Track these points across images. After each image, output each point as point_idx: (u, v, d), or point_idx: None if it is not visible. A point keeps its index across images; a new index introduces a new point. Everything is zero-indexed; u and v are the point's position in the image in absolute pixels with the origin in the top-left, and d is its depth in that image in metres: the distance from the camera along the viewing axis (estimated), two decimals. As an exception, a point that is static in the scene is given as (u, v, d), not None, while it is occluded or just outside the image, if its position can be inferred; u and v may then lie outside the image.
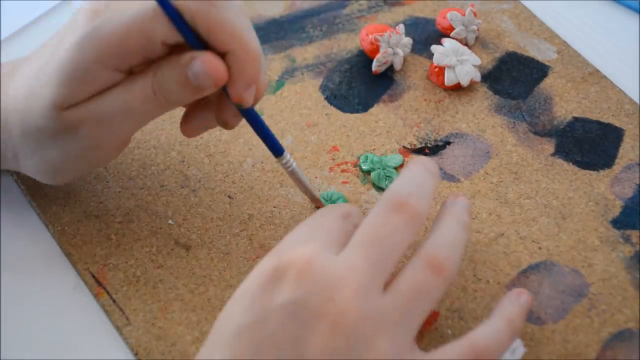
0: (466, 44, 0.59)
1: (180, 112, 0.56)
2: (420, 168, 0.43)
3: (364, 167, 0.53)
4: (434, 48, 0.57)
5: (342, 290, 0.38)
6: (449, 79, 0.56)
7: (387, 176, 0.53)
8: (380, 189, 0.53)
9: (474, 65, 0.57)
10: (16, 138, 0.46)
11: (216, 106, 0.47)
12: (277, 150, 0.48)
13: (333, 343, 0.38)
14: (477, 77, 0.57)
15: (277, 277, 0.39)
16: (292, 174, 0.49)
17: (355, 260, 0.40)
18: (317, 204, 0.51)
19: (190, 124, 0.48)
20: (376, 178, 0.53)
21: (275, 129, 0.55)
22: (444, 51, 0.56)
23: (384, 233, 0.40)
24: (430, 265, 0.40)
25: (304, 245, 0.40)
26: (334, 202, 0.52)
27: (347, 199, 0.52)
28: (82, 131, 0.44)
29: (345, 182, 0.53)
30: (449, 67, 0.56)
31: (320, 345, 0.38)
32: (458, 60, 0.56)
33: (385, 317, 0.39)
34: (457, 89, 0.57)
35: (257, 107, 0.56)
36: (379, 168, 0.53)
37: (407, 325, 0.39)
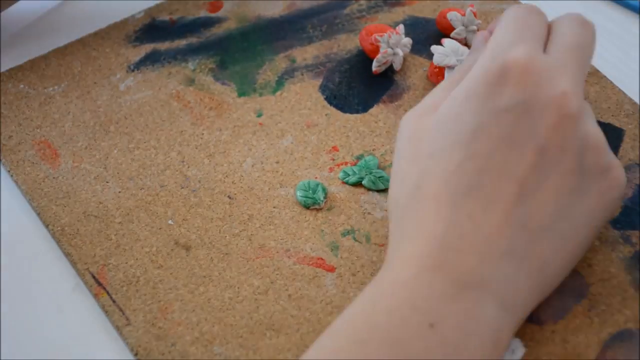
0: (466, 44, 0.59)
1: (181, 113, 0.56)
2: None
3: (351, 181, 0.53)
4: (434, 48, 0.57)
5: (561, 85, 0.44)
6: None
7: (379, 177, 0.52)
8: (379, 191, 0.52)
9: None
10: None
11: None
12: None
13: (562, 128, 0.43)
14: None
15: (503, 78, 0.44)
16: None
17: (567, 61, 0.45)
18: None
19: None
20: (370, 184, 0.52)
21: (275, 129, 0.55)
22: (444, 51, 0.56)
23: (582, 43, 0.47)
24: None
25: (519, 46, 0.45)
26: (313, 191, 0.52)
27: (326, 189, 0.52)
28: None
29: (345, 183, 0.53)
30: (449, 67, 0.56)
31: (551, 133, 0.43)
32: (458, 61, 0.56)
33: (587, 111, 0.45)
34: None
35: (256, 107, 0.56)
36: (366, 174, 0.53)
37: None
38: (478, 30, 0.59)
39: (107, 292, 0.49)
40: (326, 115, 0.56)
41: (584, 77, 0.46)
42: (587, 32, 0.48)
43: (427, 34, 0.61)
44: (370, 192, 0.53)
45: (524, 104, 0.43)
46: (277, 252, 0.50)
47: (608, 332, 0.47)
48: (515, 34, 0.46)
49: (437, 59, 0.56)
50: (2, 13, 0.51)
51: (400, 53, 0.58)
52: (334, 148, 0.55)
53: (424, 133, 0.46)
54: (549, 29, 0.48)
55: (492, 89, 0.44)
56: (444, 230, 0.42)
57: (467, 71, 0.48)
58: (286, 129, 0.56)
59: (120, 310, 0.48)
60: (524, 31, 0.47)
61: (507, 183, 0.42)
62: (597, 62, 0.59)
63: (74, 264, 0.50)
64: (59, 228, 0.51)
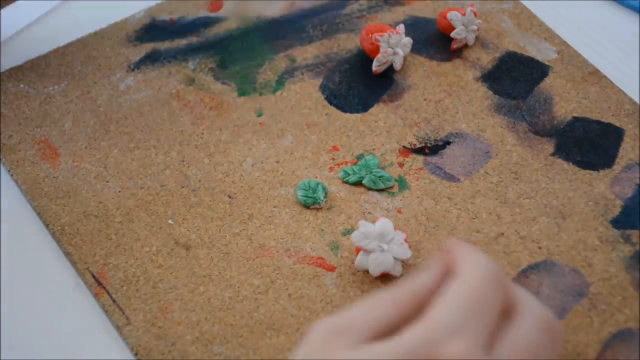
0: (466, 44, 0.59)
1: (181, 113, 0.56)
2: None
3: (351, 180, 0.53)
4: (362, 224, 0.48)
5: None
6: (360, 263, 0.48)
7: (379, 176, 0.53)
8: (379, 191, 0.52)
9: (397, 258, 0.48)
10: None
11: None
12: None
13: None
14: (397, 271, 0.49)
15: None
16: None
17: None
18: None
19: None
20: (370, 183, 0.52)
21: (275, 129, 0.55)
22: (365, 233, 0.48)
23: (540, 353, 0.38)
24: None
25: (459, 339, 0.37)
26: (313, 190, 0.52)
27: (326, 188, 0.52)
28: None
29: (345, 182, 0.53)
30: (365, 251, 0.48)
31: None
32: (379, 247, 0.48)
33: None
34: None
35: (256, 107, 0.56)
36: (366, 174, 0.53)
37: None
38: (478, 30, 0.60)
39: (107, 292, 0.48)
40: (326, 114, 0.56)
41: None
42: (549, 341, 0.38)
43: (427, 34, 0.61)
44: (370, 192, 0.53)
45: None
46: (277, 252, 0.50)
47: (608, 331, 0.47)
48: (462, 318, 0.37)
49: (356, 237, 0.48)
50: (2, 13, 0.51)
51: (401, 53, 0.58)
52: (334, 147, 0.55)
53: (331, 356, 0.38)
54: (509, 306, 0.39)
55: None
56: None
57: (417, 295, 0.40)
58: (286, 128, 0.55)
59: (120, 309, 0.48)
60: (474, 317, 0.37)
61: None
62: (597, 62, 0.59)
63: (74, 263, 0.50)
64: (59, 228, 0.51)
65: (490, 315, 0.38)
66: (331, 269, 0.49)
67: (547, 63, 0.59)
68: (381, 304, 0.40)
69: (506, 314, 0.39)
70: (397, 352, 0.37)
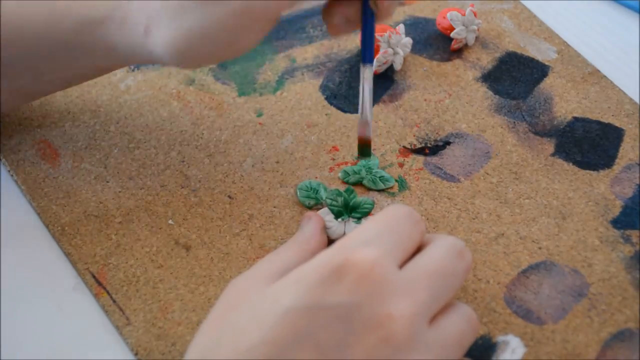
0: (466, 44, 0.59)
1: (181, 113, 0.56)
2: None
3: (352, 181, 0.53)
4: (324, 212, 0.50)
5: (400, 309, 0.38)
6: None
7: (380, 177, 0.52)
8: (379, 191, 0.52)
9: None
10: (154, 4, 0.44)
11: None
12: (369, 58, 0.48)
13: (377, 356, 0.38)
14: None
15: (338, 275, 0.38)
16: (366, 85, 0.48)
17: (418, 285, 0.40)
18: (362, 131, 0.49)
19: (333, 20, 0.47)
20: (370, 184, 0.52)
21: (275, 129, 0.55)
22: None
23: (448, 272, 0.41)
24: (470, 319, 0.42)
25: (371, 247, 0.40)
26: (315, 191, 0.52)
27: (327, 189, 0.52)
28: None
29: (345, 183, 0.53)
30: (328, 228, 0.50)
31: (363, 355, 0.38)
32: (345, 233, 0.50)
33: (429, 348, 0.39)
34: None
35: (256, 107, 0.56)
36: (366, 174, 0.53)
37: None
38: (478, 30, 0.60)
39: (107, 292, 0.48)
40: (326, 115, 0.56)
41: (434, 307, 0.40)
42: (458, 264, 0.42)
43: (427, 34, 0.61)
44: (371, 192, 0.53)
45: (347, 310, 0.38)
46: (277, 252, 0.50)
47: (608, 331, 0.47)
48: (376, 235, 0.41)
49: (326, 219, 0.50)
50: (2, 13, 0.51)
51: (401, 53, 0.58)
52: (334, 148, 0.55)
53: (241, 301, 0.41)
54: (422, 244, 0.43)
55: (323, 283, 0.38)
56: None
57: (306, 244, 0.46)
58: (286, 128, 0.55)
59: (121, 310, 0.48)
60: (387, 235, 0.41)
61: None
62: (597, 62, 0.59)
63: (74, 263, 0.50)
64: (59, 228, 0.51)
65: (402, 237, 0.42)
66: (331, 269, 0.49)
67: (547, 63, 0.59)
68: (278, 251, 0.45)
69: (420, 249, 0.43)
70: (314, 261, 0.40)
